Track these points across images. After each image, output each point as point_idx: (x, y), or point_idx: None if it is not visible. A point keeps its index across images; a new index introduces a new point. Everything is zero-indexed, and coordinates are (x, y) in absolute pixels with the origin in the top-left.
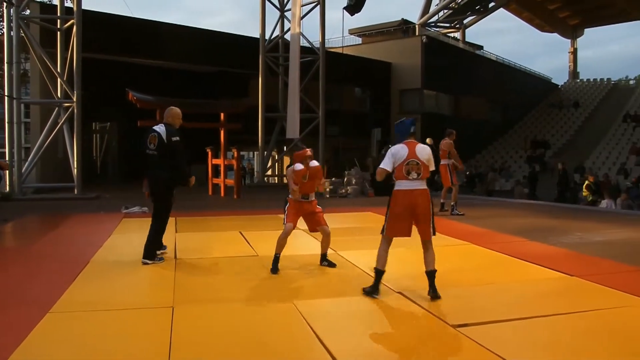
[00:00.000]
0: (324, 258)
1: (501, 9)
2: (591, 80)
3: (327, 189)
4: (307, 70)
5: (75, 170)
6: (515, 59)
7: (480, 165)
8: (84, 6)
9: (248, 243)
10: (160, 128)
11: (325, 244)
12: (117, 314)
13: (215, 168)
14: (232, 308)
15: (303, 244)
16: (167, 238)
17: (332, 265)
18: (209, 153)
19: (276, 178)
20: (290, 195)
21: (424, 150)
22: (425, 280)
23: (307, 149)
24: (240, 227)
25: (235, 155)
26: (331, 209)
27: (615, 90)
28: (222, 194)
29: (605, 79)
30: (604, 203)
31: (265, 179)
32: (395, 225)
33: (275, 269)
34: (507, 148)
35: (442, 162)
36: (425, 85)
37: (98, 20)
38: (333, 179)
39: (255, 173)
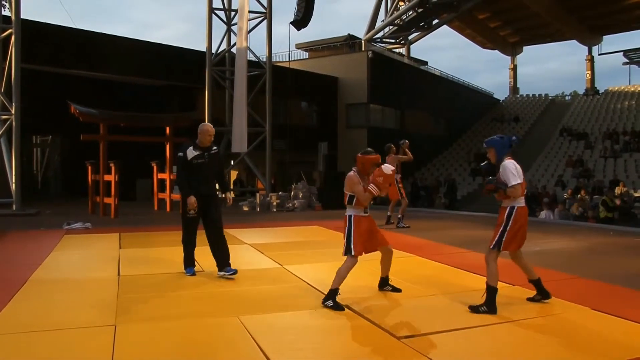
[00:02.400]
0: (386, 282)
1: (445, 26)
2: (530, 95)
3: (275, 203)
4: (253, 84)
5: (14, 185)
6: (459, 74)
7: (426, 179)
8: (23, 15)
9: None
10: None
11: (387, 264)
12: (54, 335)
13: (161, 182)
14: (176, 325)
15: (249, 258)
16: (110, 254)
17: (396, 290)
18: (155, 167)
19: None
20: (351, 212)
21: None
22: (369, 293)
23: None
24: None
25: None
26: (278, 222)
27: (552, 106)
28: (168, 209)
29: (543, 95)
30: (543, 214)
31: None
32: (518, 239)
33: (338, 306)
34: (452, 161)
35: None
36: (371, 100)
37: (39, 30)
38: (280, 192)
39: None
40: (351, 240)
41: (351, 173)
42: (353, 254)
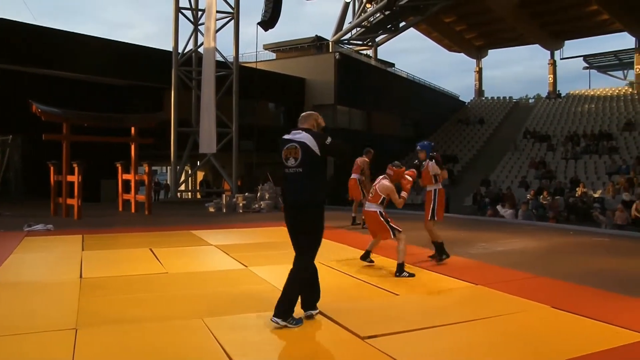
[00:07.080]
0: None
1: (412, 28)
2: (495, 98)
3: (241, 204)
4: (220, 84)
5: None
6: (426, 76)
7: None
8: None
9: (158, 260)
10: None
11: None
12: (12, 340)
13: (126, 183)
14: (139, 328)
15: (214, 259)
16: (73, 256)
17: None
18: (119, 168)
19: (189, 193)
20: (381, 210)
21: None
22: (334, 294)
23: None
24: (150, 244)
25: (147, 170)
26: (244, 223)
27: (516, 108)
28: (133, 210)
29: (507, 98)
30: (505, 213)
31: (179, 194)
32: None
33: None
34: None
35: (353, 176)
36: (338, 101)
37: None
38: (246, 193)
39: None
40: (394, 225)
41: (387, 184)
42: (399, 230)
